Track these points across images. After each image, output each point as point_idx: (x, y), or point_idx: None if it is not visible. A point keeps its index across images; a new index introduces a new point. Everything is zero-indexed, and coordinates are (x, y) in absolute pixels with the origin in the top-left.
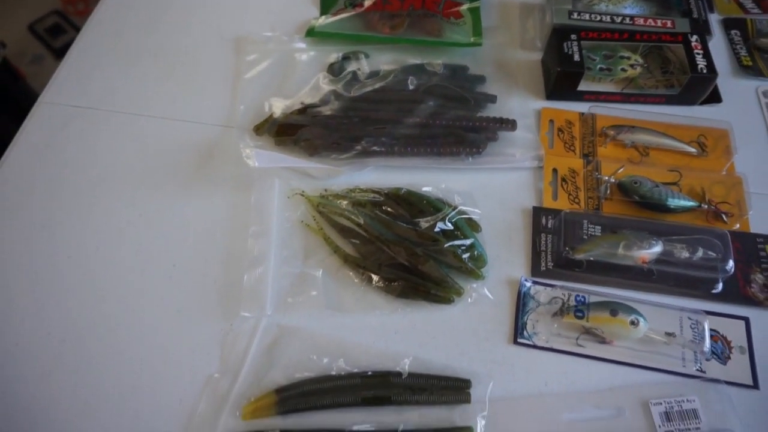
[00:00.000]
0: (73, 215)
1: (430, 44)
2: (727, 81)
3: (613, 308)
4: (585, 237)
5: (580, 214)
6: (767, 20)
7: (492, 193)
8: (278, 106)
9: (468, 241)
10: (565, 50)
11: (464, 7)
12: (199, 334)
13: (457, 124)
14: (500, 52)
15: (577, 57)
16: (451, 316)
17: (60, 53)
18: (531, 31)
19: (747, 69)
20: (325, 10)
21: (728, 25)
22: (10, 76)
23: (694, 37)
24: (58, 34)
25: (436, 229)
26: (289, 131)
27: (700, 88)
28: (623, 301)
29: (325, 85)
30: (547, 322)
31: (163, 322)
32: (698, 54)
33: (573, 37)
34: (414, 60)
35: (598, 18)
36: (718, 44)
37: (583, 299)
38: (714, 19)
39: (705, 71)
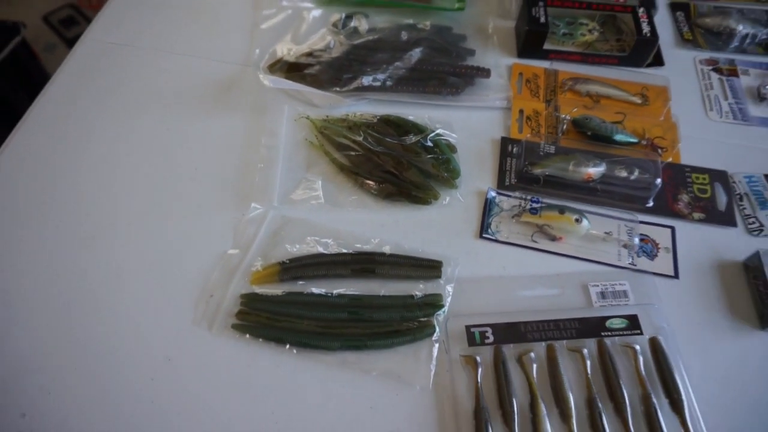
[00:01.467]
0: (110, 131)
1: (421, 8)
2: (670, 51)
3: (561, 208)
4: (542, 154)
5: (539, 143)
6: (707, 5)
7: (468, 125)
8: (288, 51)
9: (445, 156)
10: (533, 14)
11: None
12: (216, 222)
13: (440, 69)
14: (481, 17)
15: (543, 20)
16: (429, 214)
17: (72, 42)
18: (507, 3)
19: (687, 42)
20: None
21: (675, 7)
22: (28, 55)
23: (641, 9)
24: (70, 26)
25: (420, 143)
26: (297, 70)
27: (646, 51)
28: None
29: (330, 36)
30: (508, 223)
31: (187, 213)
32: (644, 22)
33: (540, 3)
34: (407, 20)
35: None
36: (665, 22)
37: (537, 200)
38: (663, 3)
39: (649, 35)
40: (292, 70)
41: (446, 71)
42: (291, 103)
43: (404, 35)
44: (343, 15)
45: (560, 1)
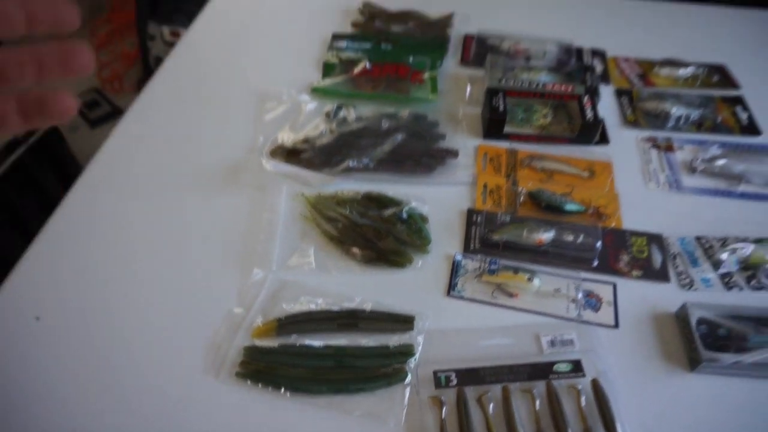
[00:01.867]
0: (137, 208)
1: (400, 100)
2: (615, 131)
3: (516, 268)
4: (499, 223)
5: (497, 213)
6: (647, 91)
7: (439, 199)
8: (288, 138)
9: (418, 226)
10: (494, 103)
11: (426, 75)
12: (223, 285)
13: (415, 151)
14: (452, 106)
15: (502, 108)
16: (405, 276)
17: (95, 124)
18: (475, 94)
19: (630, 123)
20: (325, 75)
21: (620, 93)
22: (57, 137)
23: (586, 97)
24: (93, 107)
25: (396, 216)
26: (294, 154)
27: (591, 132)
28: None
29: (323, 125)
30: (471, 283)
31: (199, 277)
32: (588, 108)
33: (500, 95)
34: (388, 110)
35: (521, 83)
36: (611, 106)
37: (495, 262)
38: (609, 90)
39: (592, 120)
40: (290, 154)
41: (421, 153)
42: (289, 183)
43: (385, 123)
44: (335, 106)
45: (516, 92)
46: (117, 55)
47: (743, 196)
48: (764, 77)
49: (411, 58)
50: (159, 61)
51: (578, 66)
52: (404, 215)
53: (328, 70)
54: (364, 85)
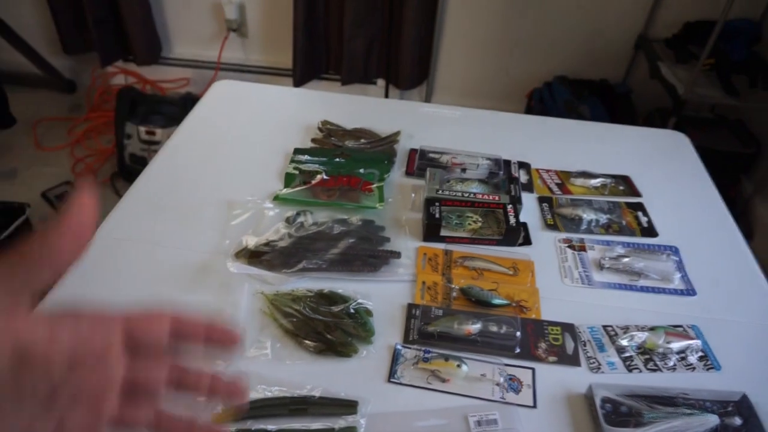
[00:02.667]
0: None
1: (352, 207)
2: (537, 233)
3: (446, 356)
4: (433, 316)
5: (432, 307)
6: (565, 198)
7: (383, 295)
8: (251, 241)
9: (363, 320)
10: (431, 211)
11: (375, 185)
12: None
13: (363, 253)
14: (397, 212)
15: (437, 215)
16: (351, 365)
17: None
18: (417, 201)
19: (549, 226)
20: (287, 184)
21: (541, 200)
22: (28, 230)
23: (510, 206)
24: (65, 200)
25: (344, 311)
26: (257, 256)
27: (514, 236)
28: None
29: (283, 229)
30: (409, 370)
31: None
32: (511, 216)
33: (437, 204)
34: (341, 216)
35: (455, 194)
36: (534, 211)
37: (428, 351)
38: (533, 197)
39: (514, 225)
40: (252, 256)
41: (368, 254)
42: (251, 282)
43: (338, 228)
44: (294, 212)
45: (450, 202)
46: (93, 150)
47: (643, 289)
48: (661, 187)
49: (362, 170)
50: (134, 157)
51: (505, 177)
52: (351, 310)
53: (289, 180)
54: (321, 194)
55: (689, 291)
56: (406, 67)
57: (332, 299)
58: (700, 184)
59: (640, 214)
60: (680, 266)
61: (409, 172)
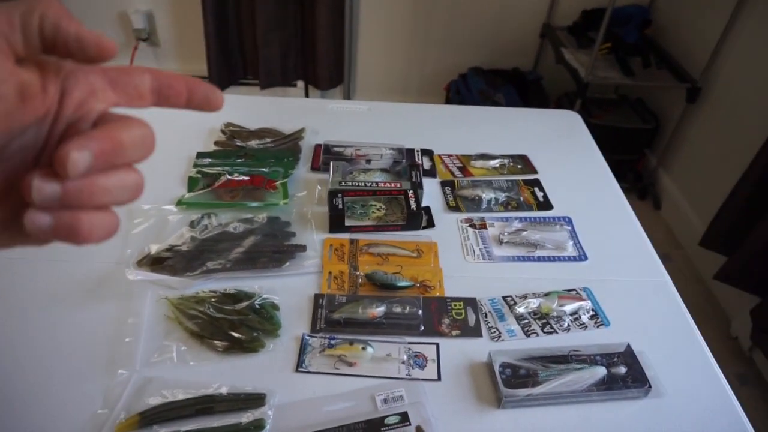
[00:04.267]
0: (13, 324)
1: (256, 206)
2: (440, 215)
3: (351, 341)
4: (337, 304)
5: (336, 295)
6: (466, 180)
7: (290, 288)
8: (153, 248)
9: (269, 314)
10: (334, 203)
11: (278, 182)
12: (89, 390)
13: (269, 250)
14: (302, 206)
15: (340, 206)
16: (259, 359)
17: None
18: (323, 194)
19: (452, 208)
20: (190, 188)
21: (444, 184)
22: None
23: (411, 191)
24: None
25: (249, 308)
26: (159, 262)
27: (416, 219)
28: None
29: (187, 233)
30: (317, 358)
31: (65, 386)
32: (412, 201)
33: (339, 195)
34: (246, 215)
35: (357, 184)
36: (437, 195)
37: (333, 337)
38: (436, 182)
39: (415, 209)
40: (155, 263)
41: (273, 250)
42: (154, 288)
43: (242, 227)
44: (198, 216)
45: (353, 192)
46: None
47: (540, 258)
48: (555, 163)
49: (266, 169)
50: None
51: (407, 165)
52: (257, 306)
53: (192, 184)
54: (225, 195)
55: (581, 257)
56: (323, 68)
57: (237, 297)
58: (591, 158)
59: (536, 189)
60: (573, 235)
61: (314, 168)
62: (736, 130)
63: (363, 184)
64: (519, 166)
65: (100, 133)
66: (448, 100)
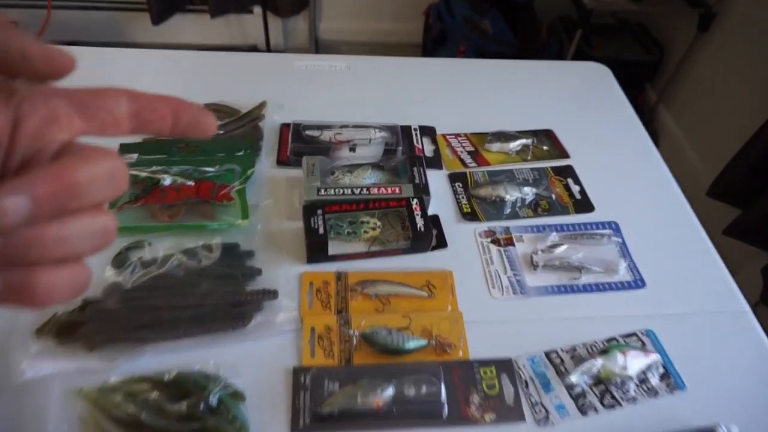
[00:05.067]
0: None
1: (205, 228)
2: (452, 227)
3: None
4: (327, 393)
5: (324, 371)
6: (482, 173)
7: (258, 358)
8: (61, 307)
9: (232, 414)
10: (312, 225)
11: (235, 189)
12: None
13: (226, 300)
14: (268, 224)
15: (321, 230)
16: None
17: None
18: (296, 202)
19: (466, 215)
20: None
21: (453, 179)
22: None
23: (415, 201)
24: None
25: (202, 408)
26: (70, 329)
27: (425, 242)
28: None
29: (110, 277)
30: None
31: None
32: (417, 215)
33: (319, 212)
34: (192, 243)
35: (342, 191)
36: (445, 196)
37: None
38: (442, 176)
39: (422, 229)
40: (63, 331)
41: (233, 302)
42: (62, 376)
43: (188, 264)
44: (124, 247)
45: (338, 206)
46: None
47: (585, 288)
48: (588, 139)
49: (216, 169)
50: None
51: (405, 158)
52: (213, 401)
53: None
54: (160, 213)
55: (637, 283)
56: None
57: (183, 388)
58: (629, 129)
59: (570, 181)
60: (624, 250)
61: (281, 161)
62: (752, 65)
63: (350, 191)
64: (545, 148)
65: (47, 171)
66: (428, 27)
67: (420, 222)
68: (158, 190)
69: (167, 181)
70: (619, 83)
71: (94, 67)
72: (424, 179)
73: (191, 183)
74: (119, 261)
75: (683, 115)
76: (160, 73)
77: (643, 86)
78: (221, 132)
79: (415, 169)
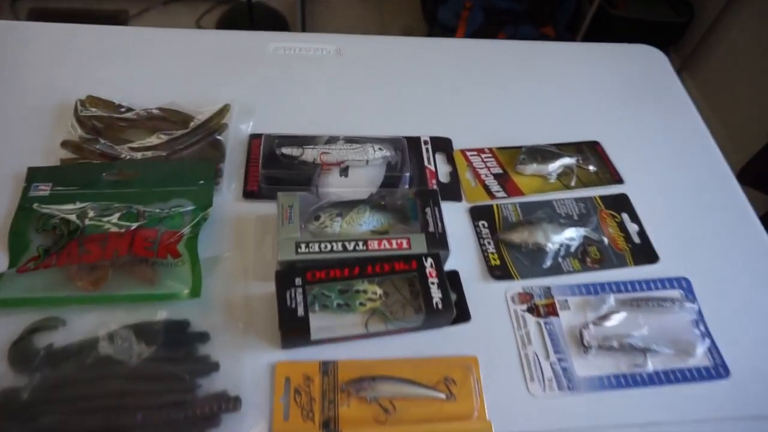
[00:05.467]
0: None
1: (140, 299)
2: (475, 286)
3: None
4: None
5: None
6: (512, 205)
7: None
8: None
9: None
10: (289, 303)
11: (184, 237)
12: None
13: (169, 417)
14: (231, 288)
15: (301, 310)
16: None
17: None
18: (268, 253)
19: (495, 270)
20: (13, 259)
21: (476, 215)
22: None
23: (429, 261)
24: None
25: None
26: None
27: (443, 318)
28: None
29: (3, 378)
30: None
31: None
32: (433, 283)
33: (298, 282)
34: (123, 320)
35: (329, 247)
36: (466, 241)
37: None
38: (460, 209)
39: (440, 306)
40: None
41: (179, 419)
42: None
43: (116, 354)
44: (26, 330)
45: (323, 272)
46: None
47: (653, 379)
48: (642, 156)
49: (160, 209)
50: None
51: (414, 196)
52: None
53: (17, 248)
54: (79, 277)
55: (719, 370)
56: None
57: None
58: (694, 137)
59: (625, 217)
60: (700, 321)
61: (249, 192)
62: None
63: (341, 246)
64: (592, 168)
65: None
66: None
67: (436, 294)
68: (76, 244)
69: (91, 227)
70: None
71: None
72: (440, 225)
73: (124, 230)
74: (19, 353)
75: (708, 85)
76: (95, 63)
77: (666, 50)
78: (166, 153)
79: (428, 210)
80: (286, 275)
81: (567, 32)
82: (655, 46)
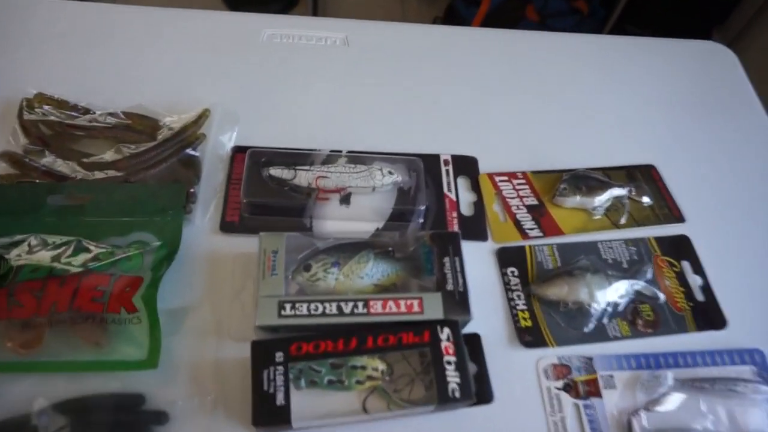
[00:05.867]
0: None
1: (84, 368)
2: (500, 353)
3: None
4: None
5: None
6: (549, 247)
7: None
8: None
9: None
10: (266, 386)
11: (142, 287)
12: None
13: None
14: (199, 348)
15: (281, 399)
16: None
17: None
18: (247, 304)
19: (525, 333)
20: None
21: (504, 259)
22: None
23: (445, 333)
24: None
25: None
26: None
27: (459, 405)
28: None
29: None
30: None
31: None
32: (449, 363)
33: (279, 357)
34: (62, 393)
35: (321, 309)
36: (491, 291)
37: None
38: (485, 250)
39: (457, 395)
40: None
41: None
42: None
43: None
44: None
45: (312, 344)
46: None
47: None
48: (706, 185)
49: (114, 244)
50: None
51: (429, 237)
52: None
53: None
54: (9, 337)
55: None
56: None
57: None
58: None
59: (686, 266)
60: None
61: (228, 223)
62: None
63: (335, 307)
64: (645, 200)
65: None
66: None
67: (453, 379)
68: (5, 293)
69: (25, 270)
70: (680, 27)
71: None
72: (461, 282)
73: (68, 278)
74: None
75: (757, 73)
76: (34, 35)
77: (710, 31)
78: (126, 173)
79: (446, 260)
80: (264, 348)
81: (602, 8)
82: (697, 26)
